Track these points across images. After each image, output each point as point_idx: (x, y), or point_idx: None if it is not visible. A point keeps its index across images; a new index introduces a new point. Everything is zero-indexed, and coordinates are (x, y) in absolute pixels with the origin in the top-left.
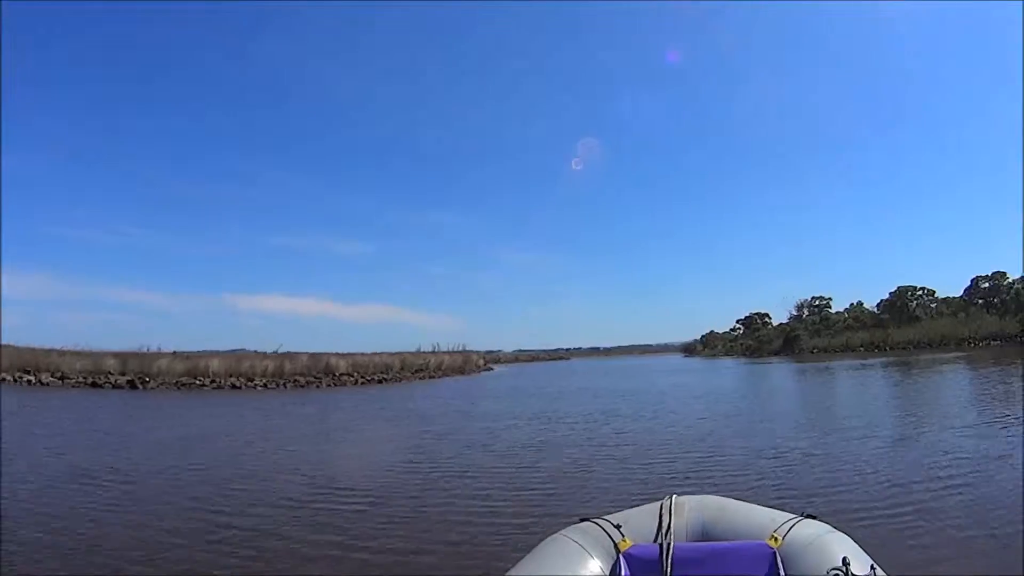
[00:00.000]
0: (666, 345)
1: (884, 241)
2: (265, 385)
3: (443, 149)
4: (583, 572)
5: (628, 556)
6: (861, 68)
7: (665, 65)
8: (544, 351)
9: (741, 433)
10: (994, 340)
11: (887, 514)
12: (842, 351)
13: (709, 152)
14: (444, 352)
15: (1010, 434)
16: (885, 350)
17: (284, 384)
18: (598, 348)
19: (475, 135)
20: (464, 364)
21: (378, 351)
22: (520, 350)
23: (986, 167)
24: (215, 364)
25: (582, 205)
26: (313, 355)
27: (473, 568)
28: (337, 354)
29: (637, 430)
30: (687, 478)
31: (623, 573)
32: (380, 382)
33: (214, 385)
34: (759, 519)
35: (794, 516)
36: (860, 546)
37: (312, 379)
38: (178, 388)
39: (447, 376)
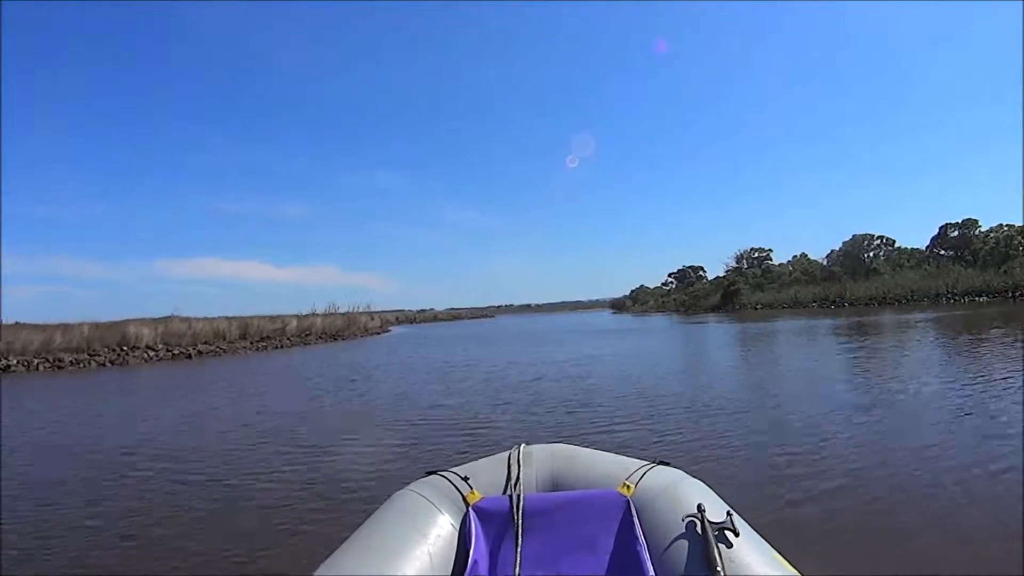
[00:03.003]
0: (597, 301)
1: (828, 194)
2: (5, 368)
3: (385, 108)
4: (432, 527)
5: (478, 509)
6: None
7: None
8: (473, 309)
9: None
10: (977, 296)
11: None
12: (791, 307)
13: (654, 110)
14: (318, 314)
15: None
16: (843, 307)
17: (38, 366)
18: (529, 305)
19: (419, 93)
20: (346, 327)
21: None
22: (451, 308)
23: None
24: None
25: (529, 160)
26: (105, 324)
27: None
28: (141, 320)
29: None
30: None
31: (473, 526)
32: (189, 357)
33: None
34: (610, 467)
35: (646, 463)
36: (715, 492)
37: (86, 356)
38: None
39: (312, 345)
